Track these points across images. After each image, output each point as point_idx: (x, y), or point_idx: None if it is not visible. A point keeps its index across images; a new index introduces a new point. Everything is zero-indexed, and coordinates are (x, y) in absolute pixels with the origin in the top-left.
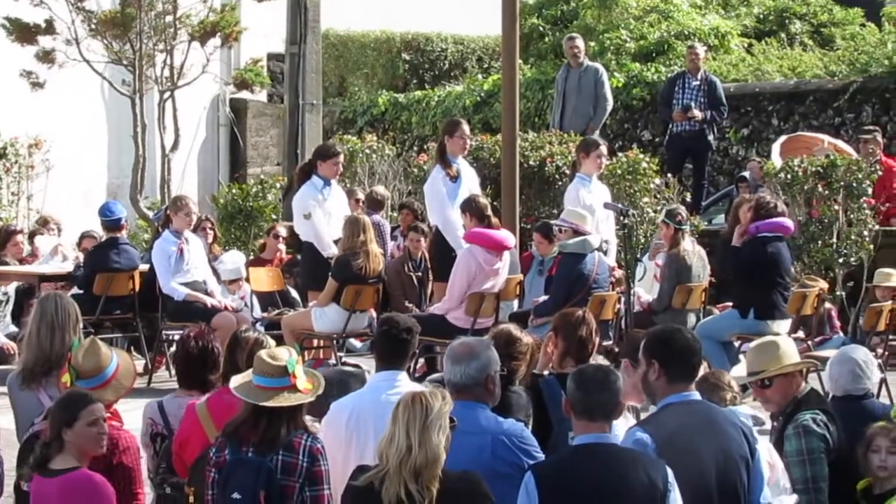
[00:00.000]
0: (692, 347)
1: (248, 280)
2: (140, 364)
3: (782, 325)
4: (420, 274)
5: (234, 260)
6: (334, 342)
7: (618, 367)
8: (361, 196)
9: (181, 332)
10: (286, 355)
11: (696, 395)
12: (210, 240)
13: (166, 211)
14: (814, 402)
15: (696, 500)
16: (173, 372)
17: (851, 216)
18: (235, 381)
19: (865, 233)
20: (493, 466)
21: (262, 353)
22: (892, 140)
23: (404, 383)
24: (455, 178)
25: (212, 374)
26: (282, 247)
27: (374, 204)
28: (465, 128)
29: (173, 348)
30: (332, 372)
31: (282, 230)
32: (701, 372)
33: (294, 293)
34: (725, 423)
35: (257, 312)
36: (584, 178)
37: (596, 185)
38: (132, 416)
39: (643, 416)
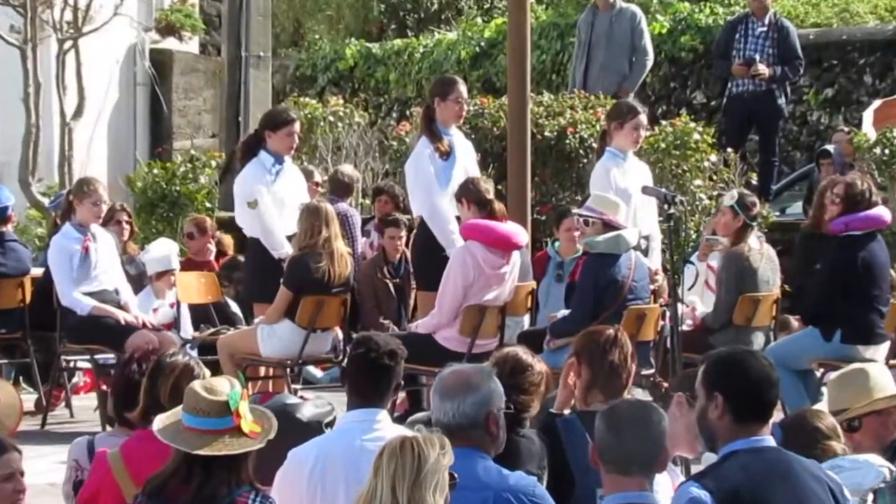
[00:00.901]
0: (768, 377)
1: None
2: (30, 399)
3: (878, 351)
4: (399, 280)
5: (162, 248)
6: (287, 371)
7: (664, 403)
8: (320, 178)
9: (85, 357)
10: (227, 387)
11: (770, 441)
12: (126, 236)
13: (68, 197)
14: None
15: None
16: (76, 411)
17: None
18: (160, 421)
19: None
20: None
21: (196, 385)
22: None
23: (385, 425)
24: (447, 155)
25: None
26: (211, 246)
27: (340, 188)
28: (462, 89)
29: (75, 379)
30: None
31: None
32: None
33: (234, 306)
34: (807, 478)
35: (187, 331)
36: (617, 155)
37: (632, 163)
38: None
39: (694, 469)
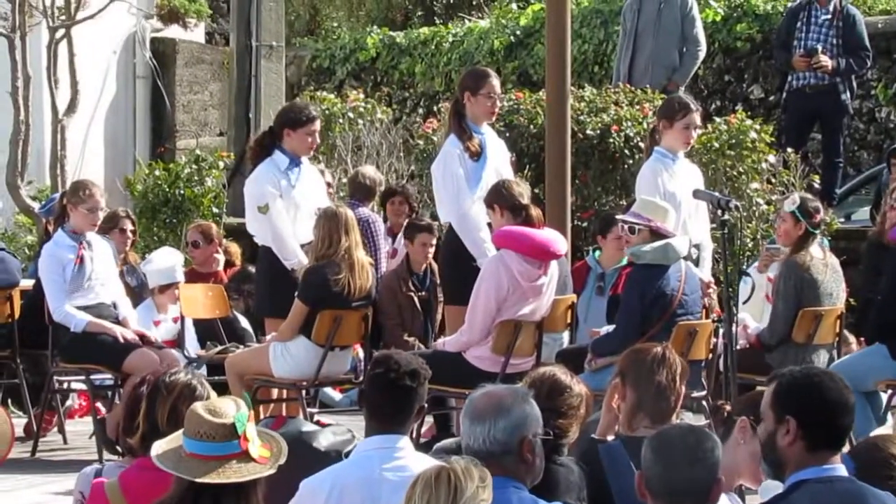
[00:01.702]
0: (846, 402)
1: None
2: (20, 424)
3: None
4: (425, 293)
5: (166, 258)
6: (302, 393)
7: (726, 429)
8: (332, 178)
9: (79, 378)
10: (232, 409)
11: (842, 470)
12: (128, 245)
13: (61, 202)
14: None
15: None
16: (69, 436)
17: None
18: (159, 447)
19: None
20: None
21: (198, 408)
22: None
23: (408, 453)
24: (478, 156)
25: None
26: (218, 256)
27: (361, 192)
28: (496, 83)
29: (69, 401)
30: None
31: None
32: None
33: (244, 322)
34: None
35: (193, 349)
36: (666, 156)
37: (683, 164)
38: (10, 499)
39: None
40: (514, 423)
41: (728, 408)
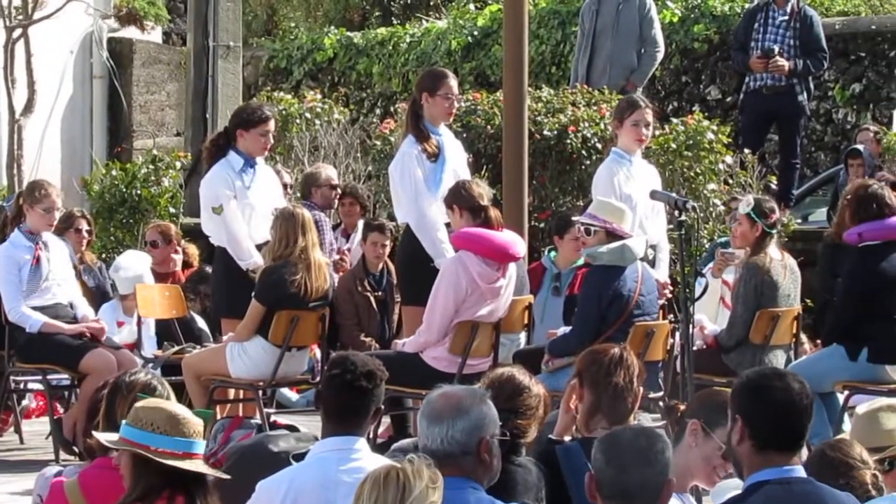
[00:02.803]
0: (793, 403)
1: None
2: None
3: None
4: (382, 294)
5: (135, 265)
6: (259, 393)
7: (679, 429)
8: (290, 179)
9: (36, 378)
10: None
11: (801, 472)
12: (84, 245)
13: (18, 202)
14: None
15: None
16: (26, 437)
17: None
18: (109, 436)
19: None
20: None
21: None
22: None
23: (364, 454)
24: (436, 157)
25: None
26: (176, 256)
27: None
28: (453, 83)
29: (25, 401)
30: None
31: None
32: None
33: (201, 322)
34: None
35: (152, 349)
36: (623, 156)
37: (639, 165)
38: None
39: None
40: (472, 424)
41: (682, 407)
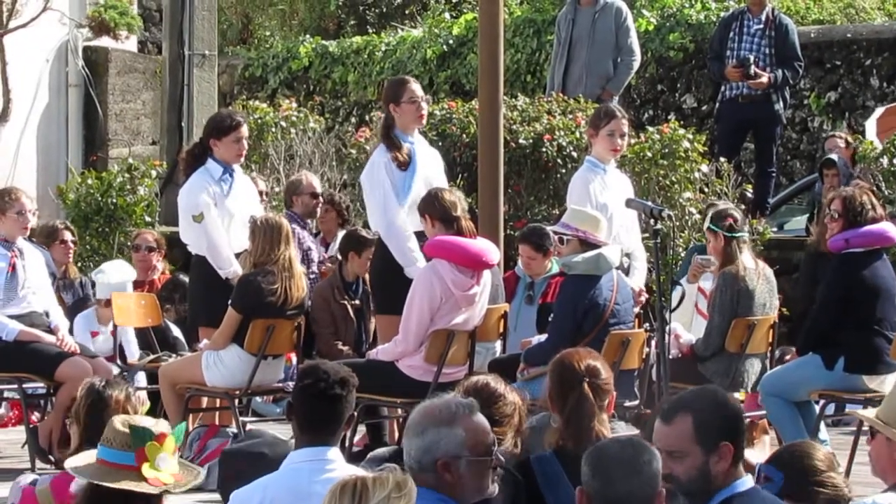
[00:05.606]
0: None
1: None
2: None
3: (886, 382)
4: (359, 302)
5: (120, 272)
6: (235, 402)
7: (647, 436)
8: (265, 186)
9: (11, 387)
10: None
11: (748, 482)
12: (69, 257)
13: None
14: None
15: None
16: (0, 445)
17: None
18: (75, 460)
19: None
20: None
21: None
22: None
23: (339, 465)
24: (406, 165)
25: None
26: (158, 265)
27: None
28: (416, 87)
29: (1, 409)
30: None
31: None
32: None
33: (176, 330)
34: None
35: (133, 357)
36: (597, 165)
37: (614, 174)
38: None
39: None
40: (423, 447)
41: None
